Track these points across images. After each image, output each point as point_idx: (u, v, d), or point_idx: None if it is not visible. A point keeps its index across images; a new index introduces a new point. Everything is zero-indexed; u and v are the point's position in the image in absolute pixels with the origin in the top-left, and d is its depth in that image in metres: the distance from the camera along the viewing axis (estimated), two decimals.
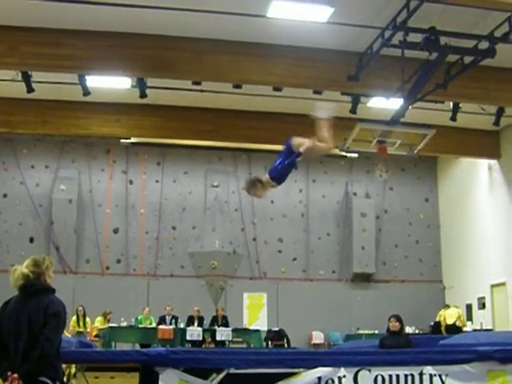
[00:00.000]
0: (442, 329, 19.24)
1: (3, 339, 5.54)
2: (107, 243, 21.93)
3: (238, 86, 15.97)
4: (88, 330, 18.60)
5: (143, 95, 15.79)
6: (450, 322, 19.15)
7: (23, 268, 5.70)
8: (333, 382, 6.70)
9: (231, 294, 21.86)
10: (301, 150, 8.54)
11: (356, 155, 21.44)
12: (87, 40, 14.18)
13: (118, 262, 21.94)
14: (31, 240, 21.37)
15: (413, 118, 16.08)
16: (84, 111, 17.96)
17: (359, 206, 23.31)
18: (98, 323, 18.75)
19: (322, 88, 16.03)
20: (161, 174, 22.71)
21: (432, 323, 20.31)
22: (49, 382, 5.45)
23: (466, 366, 6.93)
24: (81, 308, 18.50)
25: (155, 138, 20.56)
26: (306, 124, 19.52)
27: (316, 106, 8.92)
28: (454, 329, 18.50)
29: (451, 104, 17.12)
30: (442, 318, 19.58)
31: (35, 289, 5.65)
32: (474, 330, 19.42)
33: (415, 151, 16.39)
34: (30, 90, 15.38)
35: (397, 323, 10.98)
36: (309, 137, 8.39)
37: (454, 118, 17.28)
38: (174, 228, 22.46)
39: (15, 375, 5.30)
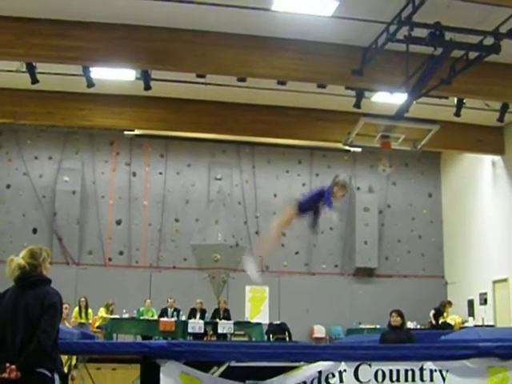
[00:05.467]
0: (442, 318, 19.39)
1: (0, 331, 5.56)
2: (110, 235, 21.96)
3: (242, 80, 15.98)
4: (90, 321, 18.65)
5: (147, 87, 15.78)
6: (441, 320, 19.35)
7: (20, 259, 5.71)
8: (333, 376, 6.72)
9: (233, 287, 21.87)
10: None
11: (359, 150, 21.42)
12: (92, 32, 14.18)
13: (121, 253, 21.96)
14: (34, 231, 21.41)
15: (417, 113, 16.07)
16: (88, 103, 17.95)
17: (362, 200, 23.31)
18: (101, 314, 18.78)
19: (327, 82, 16.03)
20: (164, 166, 22.71)
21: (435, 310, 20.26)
22: (47, 373, 5.47)
23: (466, 362, 6.95)
24: (83, 299, 18.53)
25: (159, 130, 20.56)
26: (309, 118, 19.65)
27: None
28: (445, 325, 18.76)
29: (455, 99, 17.10)
30: (445, 315, 19.67)
31: (32, 280, 5.66)
32: (476, 326, 19.44)
33: (419, 146, 16.35)
34: (35, 81, 15.37)
35: (398, 318, 11.02)
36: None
37: (458, 114, 17.26)
38: (176, 220, 22.48)
39: (13, 366, 5.32)
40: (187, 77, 16.24)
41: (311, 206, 8.85)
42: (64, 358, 8.73)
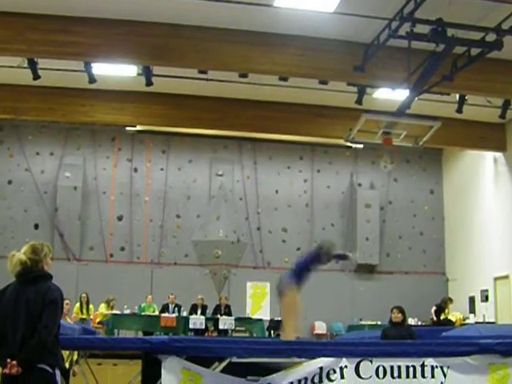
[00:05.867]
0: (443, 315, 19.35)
1: (1, 326, 5.55)
2: (111, 231, 21.96)
3: (243, 76, 15.95)
4: (91, 317, 18.67)
5: (149, 83, 15.75)
6: (443, 316, 19.30)
7: (21, 254, 5.71)
8: (334, 372, 6.71)
9: (234, 283, 21.89)
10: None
11: (361, 146, 21.42)
12: (94, 28, 14.16)
13: (122, 249, 21.96)
14: (36, 227, 21.42)
15: (418, 109, 16.06)
16: (90, 98, 17.95)
17: (364, 196, 23.28)
18: (102, 310, 18.80)
19: (328, 78, 16.00)
20: (166, 162, 22.71)
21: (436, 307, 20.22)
22: (48, 368, 5.47)
23: (467, 359, 6.93)
24: (84, 295, 18.55)
25: (161, 126, 20.56)
26: (310, 114, 19.63)
27: None
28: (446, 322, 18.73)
29: (457, 96, 17.07)
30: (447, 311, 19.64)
31: (33, 276, 5.66)
32: (477, 323, 19.43)
33: (420, 143, 16.36)
34: (36, 76, 15.35)
35: (399, 314, 11.03)
36: None
37: (459, 110, 17.22)
38: (178, 216, 22.47)
39: (14, 362, 5.32)
40: (189, 73, 16.22)
41: (307, 270, 9.44)
42: (65, 353, 8.75)
